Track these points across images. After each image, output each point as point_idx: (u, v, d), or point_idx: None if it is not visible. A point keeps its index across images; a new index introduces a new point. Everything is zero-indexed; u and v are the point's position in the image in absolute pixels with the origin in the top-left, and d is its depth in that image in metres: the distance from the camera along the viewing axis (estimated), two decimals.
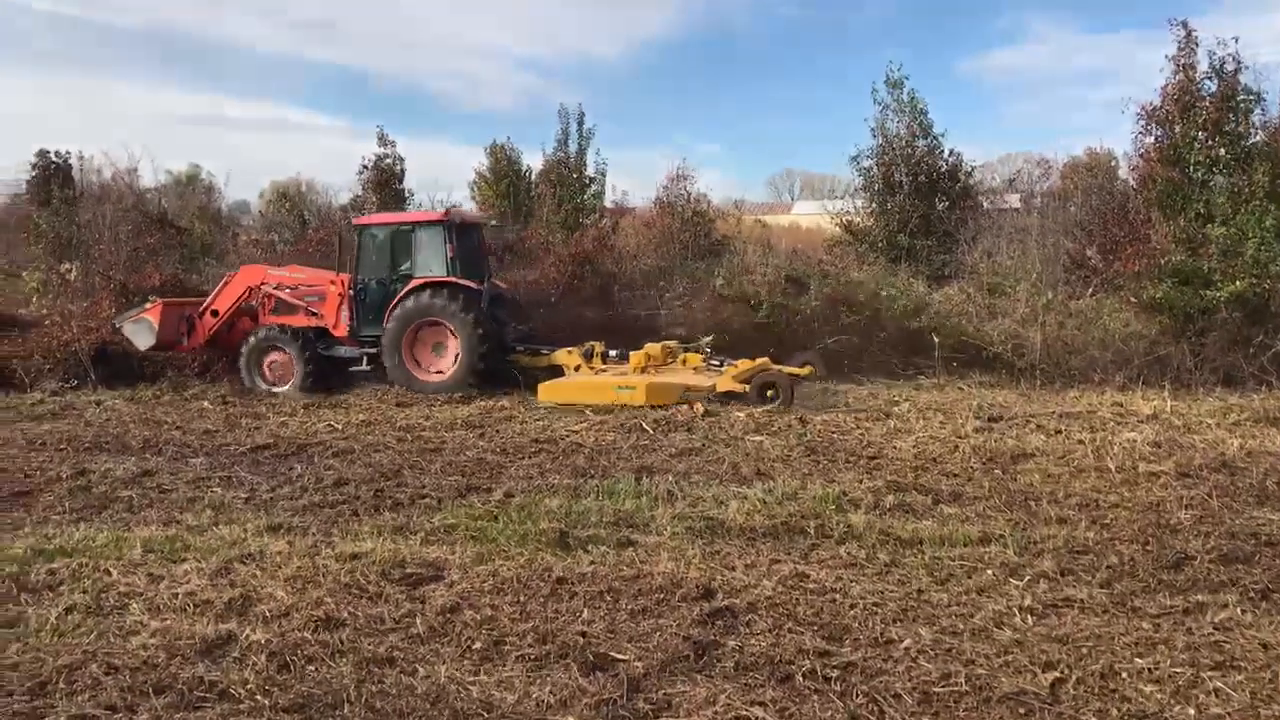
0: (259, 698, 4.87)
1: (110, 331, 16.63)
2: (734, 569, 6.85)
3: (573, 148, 27.50)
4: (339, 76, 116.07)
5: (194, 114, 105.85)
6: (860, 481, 9.31)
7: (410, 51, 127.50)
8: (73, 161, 32.12)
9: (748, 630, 5.81)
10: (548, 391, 13.96)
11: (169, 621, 5.92)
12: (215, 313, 16.66)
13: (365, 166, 27.36)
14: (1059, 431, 11.63)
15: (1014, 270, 19.07)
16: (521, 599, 6.25)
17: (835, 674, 5.17)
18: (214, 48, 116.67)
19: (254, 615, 5.99)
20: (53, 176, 30.62)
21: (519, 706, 4.86)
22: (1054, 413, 12.79)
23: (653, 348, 15.28)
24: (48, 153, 31.60)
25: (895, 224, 24.30)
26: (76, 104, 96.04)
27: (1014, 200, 27.29)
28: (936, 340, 16.45)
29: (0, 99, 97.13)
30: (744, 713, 4.79)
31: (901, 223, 24.21)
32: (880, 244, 24.24)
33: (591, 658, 5.38)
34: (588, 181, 27.50)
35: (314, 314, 16.29)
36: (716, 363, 15.05)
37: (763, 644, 5.59)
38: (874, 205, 25.19)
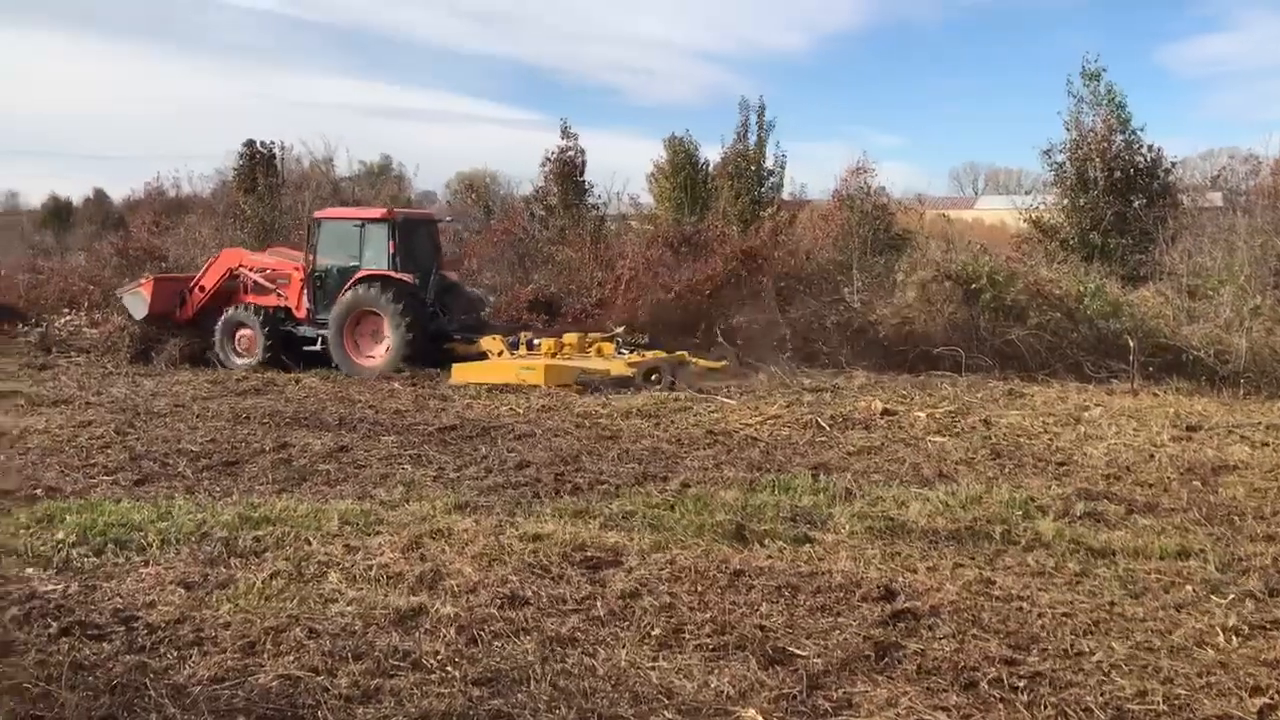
0: (449, 669, 5.05)
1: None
2: (915, 571, 6.72)
3: (752, 140, 27.41)
4: (524, 71, 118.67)
5: (386, 106, 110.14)
6: (1048, 488, 8.99)
7: (592, 46, 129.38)
8: (276, 151, 33.89)
9: (930, 634, 5.68)
10: (459, 372, 15.37)
11: (364, 591, 6.20)
12: (202, 289, 18.52)
13: (548, 159, 27.97)
14: (1266, 444, 10.95)
15: (1217, 272, 18.04)
16: (699, 588, 6.29)
17: (1022, 683, 5.01)
18: (412, 44, 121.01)
19: (443, 589, 6.22)
20: (258, 165, 32.39)
21: (699, 695, 4.89)
22: (1260, 424, 12.04)
23: (570, 337, 16.75)
24: (254, 142, 33.41)
25: (1088, 221, 23.30)
26: (278, 96, 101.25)
27: (1217, 198, 25.78)
28: (1133, 344, 15.70)
29: (209, 91, 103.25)
30: (926, 716, 4.70)
31: (1095, 220, 23.19)
32: (1071, 241, 23.29)
33: (770, 651, 5.37)
34: (766, 174, 27.36)
35: (281, 296, 17.81)
36: (625, 351, 16.31)
37: (946, 649, 5.47)
38: (1065, 201, 24.21)
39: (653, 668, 5.21)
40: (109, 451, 10.22)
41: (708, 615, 5.86)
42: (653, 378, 14.74)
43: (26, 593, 6.04)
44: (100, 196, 57.94)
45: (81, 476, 9.20)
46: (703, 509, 8.05)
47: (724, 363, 16.05)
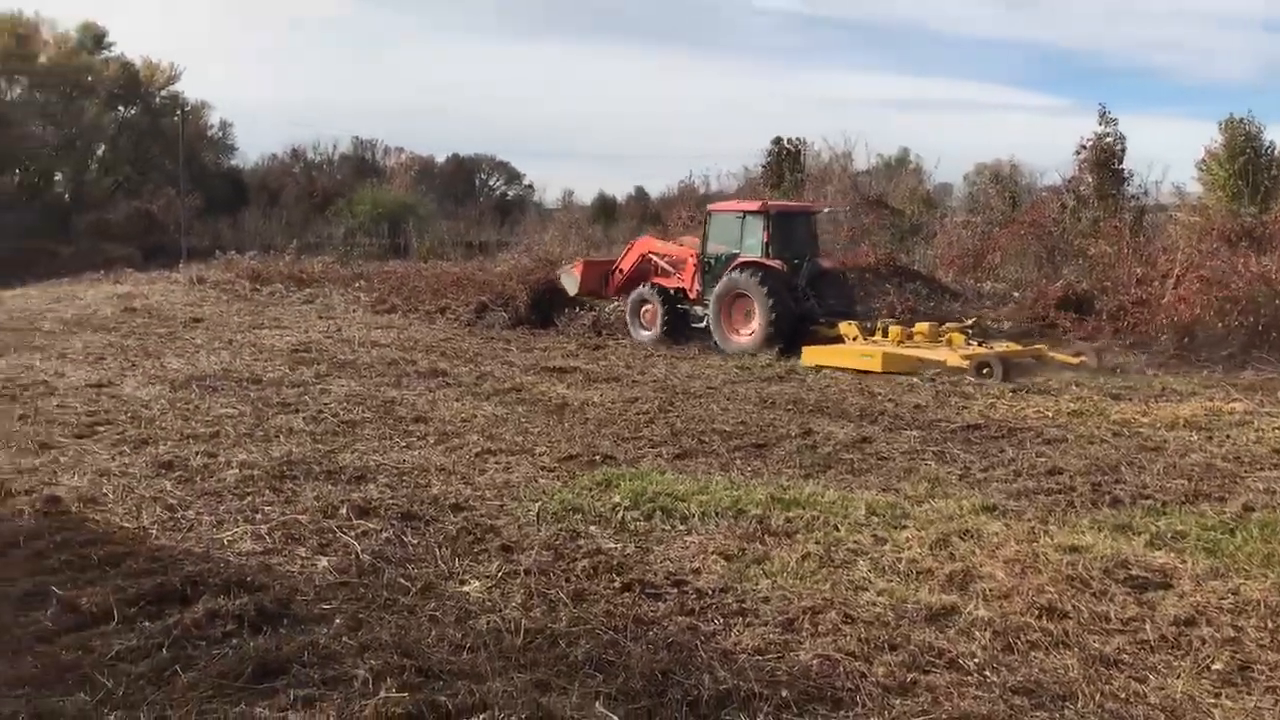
0: (987, 674, 4.93)
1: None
2: None
3: None
4: (1054, 55, 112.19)
5: (906, 98, 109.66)
6: None
7: (1133, 23, 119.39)
8: (800, 147, 35.11)
9: None
10: (808, 354, 16.50)
11: (893, 583, 6.23)
12: (621, 270, 21.11)
13: (1083, 146, 26.37)
14: None
15: None
16: (1270, 625, 5.59)
17: None
18: (936, 34, 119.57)
19: (974, 591, 6.07)
20: (784, 161, 33.75)
21: None
22: None
23: (922, 325, 17.17)
24: (781, 139, 34.90)
25: None
26: (802, 93, 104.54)
27: None
28: None
29: (738, 91, 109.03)
30: None
31: None
32: None
33: None
34: None
35: (680, 278, 19.71)
36: (975, 342, 16.43)
37: None
38: None
39: (1214, 705, 4.74)
40: (653, 426, 11.12)
41: None
42: (984, 371, 14.73)
43: (594, 548, 6.78)
44: (640, 194, 63.49)
45: (631, 447, 10.10)
46: (1271, 536, 7.14)
47: (1082, 359, 15.74)
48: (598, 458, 9.53)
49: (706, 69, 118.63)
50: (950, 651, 5.16)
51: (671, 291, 19.71)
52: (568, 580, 6.17)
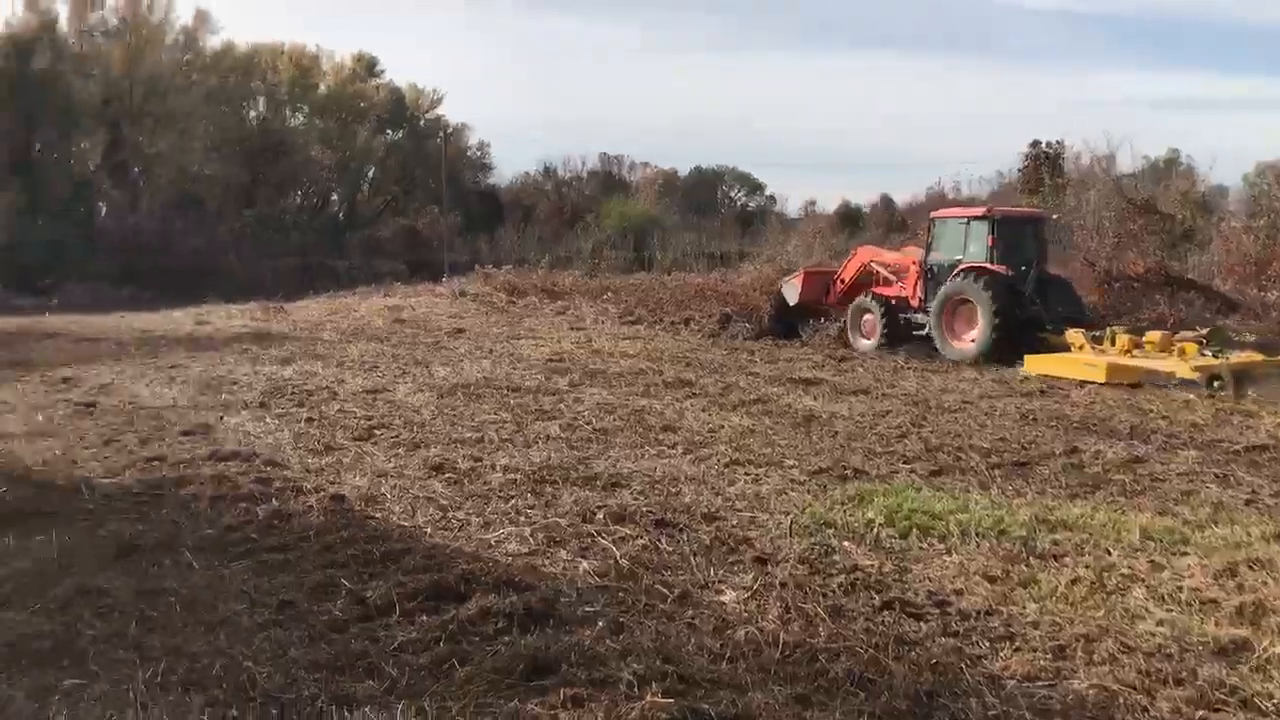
0: None
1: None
2: None
3: None
4: None
5: (1177, 96, 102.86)
6: None
7: None
8: (1062, 151, 33.59)
9: None
10: (1030, 362, 16.25)
11: (1174, 613, 5.83)
12: (842, 280, 21.13)
13: None
14: None
15: None
16: None
17: None
18: (1211, 26, 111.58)
19: (1268, 626, 5.60)
20: (1042, 165, 32.35)
21: None
22: None
23: (1152, 335, 16.48)
24: (1039, 143, 33.49)
25: None
26: (1059, 94, 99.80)
27: None
28: None
29: (990, 94, 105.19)
30: None
31: None
32: None
33: None
34: None
35: (902, 287, 19.61)
36: (1210, 352, 15.44)
37: None
38: None
39: None
40: (905, 441, 10.85)
41: None
42: (1214, 383, 14.19)
43: (849, 564, 6.69)
44: (886, 202, 62.39)
45: (883, 463, 9.87)
46: None
47: None
48: (848, 472, 9.38)
49: (961, 73, 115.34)
50: (1244, 690, 4.79)
51: (892, 301, 19.66)
52: (824, 595, 6.11)
